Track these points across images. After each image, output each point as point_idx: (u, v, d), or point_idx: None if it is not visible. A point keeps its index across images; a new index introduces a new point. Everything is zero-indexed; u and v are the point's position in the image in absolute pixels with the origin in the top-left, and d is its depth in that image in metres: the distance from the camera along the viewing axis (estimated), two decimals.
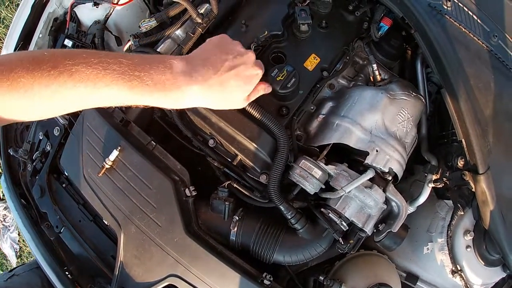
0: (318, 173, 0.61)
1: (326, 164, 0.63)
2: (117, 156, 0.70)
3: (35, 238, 0.87)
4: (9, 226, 1.77)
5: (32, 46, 0.94)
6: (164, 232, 0.67)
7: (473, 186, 0.68)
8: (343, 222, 0.63)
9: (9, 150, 0.97)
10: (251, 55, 0.54)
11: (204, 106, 0.53)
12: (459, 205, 0.73)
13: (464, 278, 0.73)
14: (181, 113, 0.71)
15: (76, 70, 0.41)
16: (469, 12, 0.72)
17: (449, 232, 0.74)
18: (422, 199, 0.73)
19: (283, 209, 0.63)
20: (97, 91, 0.43)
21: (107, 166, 0.70)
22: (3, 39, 0.99)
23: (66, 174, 0.84)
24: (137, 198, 0.68)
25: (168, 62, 0.47)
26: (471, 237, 0.73)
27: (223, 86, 0.50)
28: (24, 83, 0.39)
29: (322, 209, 0.65)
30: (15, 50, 0.96)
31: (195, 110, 0.68)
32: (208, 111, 0.65)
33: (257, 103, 0.62)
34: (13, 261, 1.80)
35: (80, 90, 0.42)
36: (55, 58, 0.41)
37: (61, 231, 0.84)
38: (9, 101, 0.39)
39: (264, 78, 0.60)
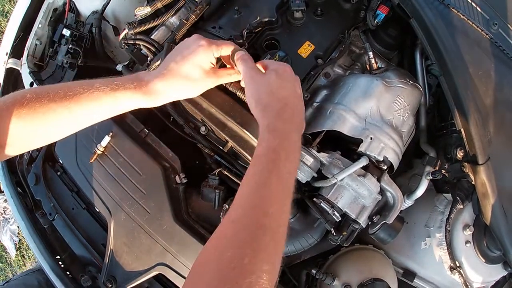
0: (309, 160, 0.60)
1: (319, 152, 0.62)
2: (109, 142, 0.70)
3: (29, 226, 0.87)
4: (9, 218, 1.79)
5: (31, 36, 0.95)
6: (153, 219, 0.66)
7: (473, 178, 0.65)
8: (336, 213, 0.61)
9: None
10: (202, 39, 0.55)
11: (180, 98, 0.57)
12: (458, 198, 0.70)
13: (463, 275, 0.70)
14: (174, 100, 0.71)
15: (74, 94, 0.51)
16: None
17: (447, 226, 0.72)
18: (420, 192, 0.71)
19: None
20: (88, 105, 0.51)
21: (98, 152, 0.70)
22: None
23: (61, 162, 0.84)
24: (128, 185, 0.68)
25: (134, 75, 0.56)
26: (471, 232, 0.71)
27: (177, 69, 0.54)
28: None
29: (314, 199, 0.63)
30: (15, 40, 0.97)
31: None
32: (199, 97, 0.64)
33: None
34: (12, 253, 1.82)
35: (72, 106, 0.50)
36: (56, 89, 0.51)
37: (54, 218, 0.84)
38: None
39: None
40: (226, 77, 0.58)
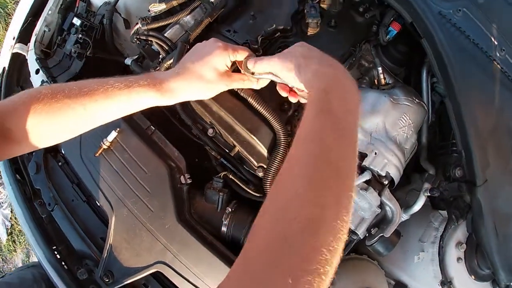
0: None
1: None
2: (115, 138, 0.70)
3: (27, 214, 0.86)
4: (2, 202, 1.77)
5: (40, 22, 0.94)
6: (155, 218, 0.66)
7: (469, 198, 0.67)
8: None
9: None
10: (219, 42, 0.56)
11: (190, 94, 0.57)
12: (453, 216, 0.72)
13: None
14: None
15: (74, 90, 0.51)
16: (479, 23, 0.72)
17: (441, 242, 0.74)
18: (417, 207, 0.72)
19: None
20: (103, 102, 0.51)
21: (104, 146, 0.70)
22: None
23: (63, 152, 0.84)
24: (132, 181, 0.68)
25: (147, 74, 0.57)
26: (463, 250, 0.73)
27: (191, 70, 0.55)
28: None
29: None
30: (23, 25, 0.96)
31: None
32: (209, 99, 0.65)
33: (260, 96, 0.62)
34: (3, 238, 1.80)
35: (86, 103, 0.51)
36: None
37: (53, 209, 0.84)
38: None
39: None
40: (239, 82, 0.58)
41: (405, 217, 0.75)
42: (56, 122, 0.49)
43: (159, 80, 0.54)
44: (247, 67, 0.56)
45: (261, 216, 0.35)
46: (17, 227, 1.79)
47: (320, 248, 0.31)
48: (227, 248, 0.65)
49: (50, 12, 0.93)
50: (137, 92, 0.53)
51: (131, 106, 0.54)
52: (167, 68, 0.69)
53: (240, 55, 0.56)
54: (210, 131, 0.68)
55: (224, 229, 0.66)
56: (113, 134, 0.70)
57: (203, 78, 0.55)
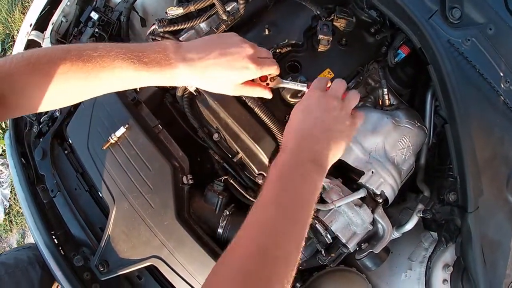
0: None
1: None
2: (123, 133, 0.72)
3: (29, 197, 0.88)
4: (2, 182, 1.79)
5: (58, 12, 0.96)
6: (155, 214, 0.69)
7: (460, 222, 0.69)
8: (328, 235, 0.65)
9: None
10: (248, 49, 0.54)
11: (197, 86, 0.55)
12: (443, 238, 0.74)
13: None
14: (191, 102, 0.73)
15: (86, 53, 0.48)
16: (487, 54, 0.74)
17: (429, 263, 0.76)
18: (409, 226, 0.75)
19: None
20: (103, 70, 0.48)
21: (112, 141, 0.72)
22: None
23: (70, 142, 0.86)
24: (136, 177, 0.70)
25: (162, 44, 0.53)
26: (449, 272, 0.75)
27: (207, 70, 0.53)
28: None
29: None
30: (40, 14, 0.98)
31: (205, 103, 0.69)
32: (218, 106, 0.67)
33: (266, 107, 0.64)
34: (0, 217, 1.82)
35: (88, 70, 0.48)
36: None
37: (55, 195, 0.86)
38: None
39: None
40: (250, 90, 0.58)
41: (396, 234, 0.77)
42: (54, 88, 0.47)
43: (170, 63, 0.51)
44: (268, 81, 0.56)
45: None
46: (15, 207, 1.82)
47: None
48: (222, 249, 0.68)
49: (68, 3, 0.96)
50: (145, 74, 0.50)
51: (136, 84, 0.52)
52: None
53: (265, 71, 0.56)
54: (216, 135, 0.70)
55: (220, 230, 0.69)
56: (121, 130, 0.72)
57: (216, 81, 0.54)
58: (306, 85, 0.59)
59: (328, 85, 0.57)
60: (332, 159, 0.52)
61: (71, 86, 0.49)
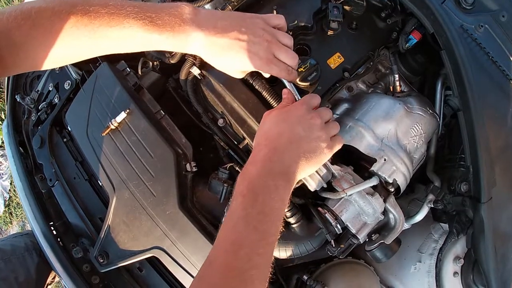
0: (322, 170, 0.60)
1: (332, 163, 0.62)
2: (124, 119, 0.70)
3: (27, 187, 0.86)
4: (2, 174, 1.76)
5: None
6: (157, 203, 0.66)
7: (471, 213, 0.67)
8: (338, 225, 0.63)
9: (16, 97, 0.96)
10: (273, 40, 0.51)
11: (204, 58, 0.53)
12: (454, 230, 0.72)
13: None
14: (195, 87, 0.71)
15: (93, 9, 0.44)
16: (500, 42, 0.72)
17: (439, 255, 0.74)
18: (419, 217, 0.72)
19: None
20: (111, 29, 0.45)
21: (112, 127, 0.70)
22: None
23: (69, 129, 0.83)
24: (137, 164, 0.68)
25: (179, 7, 0.49)
26: (460, 264, 0.73)
27: (224, 49, 0.50)
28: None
29: (319, 208, 0.64)
30: None
31: (210, 86, 0.67)
32: (223, 89, 0.64)
33: (274, 90, 0.62)
34: (0, 209, 1.79)
35: (95, 28, 0.44)
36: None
37: (54, 185, 0.83)
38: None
39: None
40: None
41: (406, 226, 0.75)
42: (56, 45, 0.43)
43: (185, 31, 0.48)
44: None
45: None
46: (15, 199, 1.78)
47: None
48: None
49: None
50: (156, 38, 0.47)
51: (145, 47, 0.49)
52: (181, 57, 0.68)
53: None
54: (221, 121, 0.68)
55: None
56: (122, 115, 0.69)
57: (227, 59, 0.51)
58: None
59: (316, 104, 0.56)
60: (298, 178, 0.52)
61: (74, 43, 0.45)
